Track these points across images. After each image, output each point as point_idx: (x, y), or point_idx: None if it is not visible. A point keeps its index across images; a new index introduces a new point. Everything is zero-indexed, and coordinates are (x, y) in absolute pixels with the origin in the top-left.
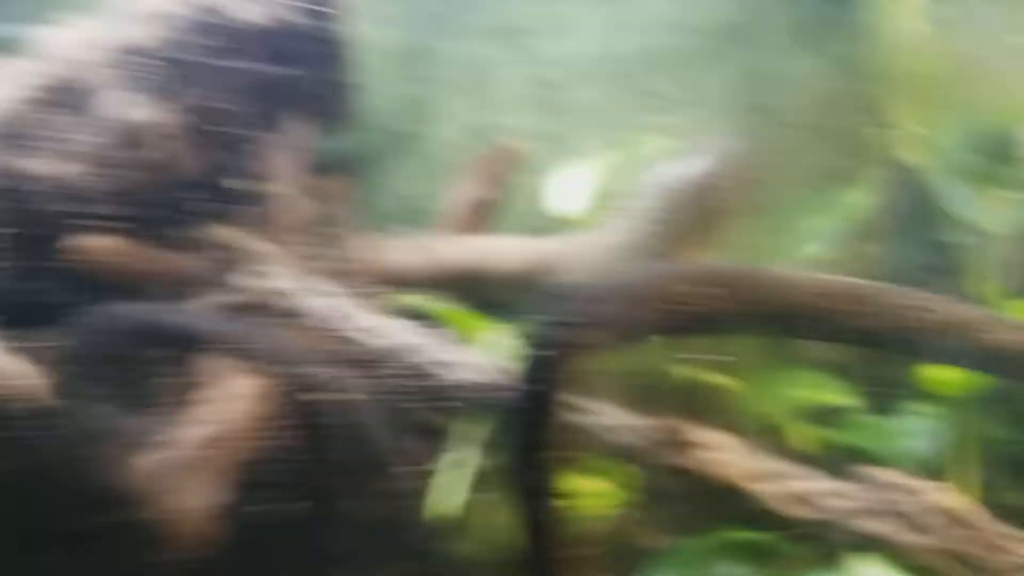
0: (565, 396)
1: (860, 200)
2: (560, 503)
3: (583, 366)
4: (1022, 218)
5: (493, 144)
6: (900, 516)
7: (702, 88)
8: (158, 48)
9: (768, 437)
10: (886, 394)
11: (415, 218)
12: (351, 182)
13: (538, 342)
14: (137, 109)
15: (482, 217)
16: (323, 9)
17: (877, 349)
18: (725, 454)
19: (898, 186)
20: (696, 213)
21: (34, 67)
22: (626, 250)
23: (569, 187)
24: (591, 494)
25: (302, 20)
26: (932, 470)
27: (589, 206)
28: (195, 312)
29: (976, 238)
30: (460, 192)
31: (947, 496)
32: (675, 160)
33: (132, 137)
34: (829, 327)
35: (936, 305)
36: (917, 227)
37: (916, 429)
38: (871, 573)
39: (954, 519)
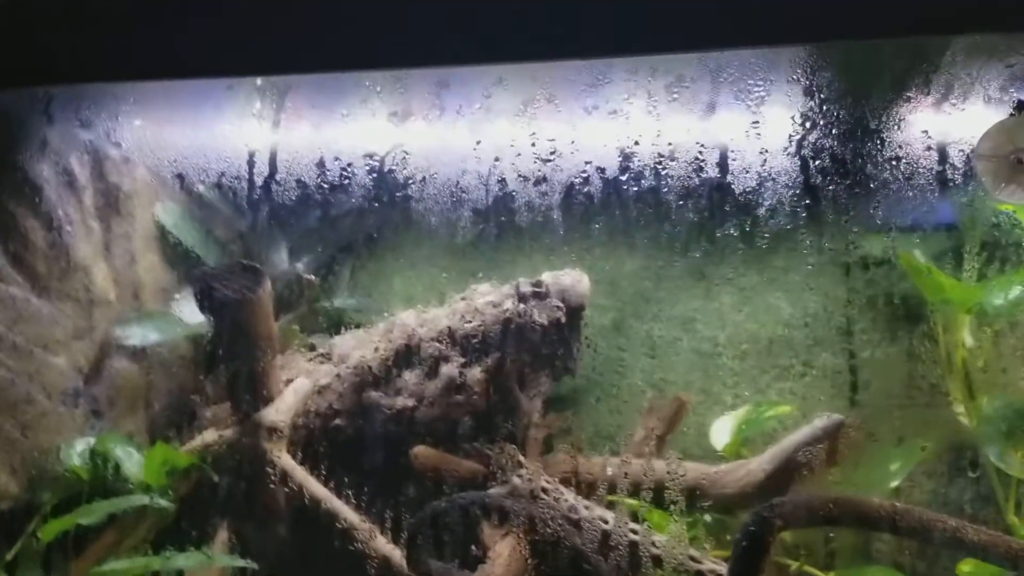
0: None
1: (929, 451)
2: None
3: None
4: None
5: (669, 396)
6: None
7: (813, 364)
8: (476, 329)
9: None
10: None
11: (612, 443)
12: (570, 416)
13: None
14: (457, 368)
15: (659, 445)
16: (574, 308)
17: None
18: None
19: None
20: (812, 457)
21: (388, 335)
22: (767, 477)
23: (722, 430)
24: None
25: (562, 316)
26: None
27: (733, 444)
28: (494, 496)
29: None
30: (644, 426)
31: None
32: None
33: (452, 386)
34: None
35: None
36: (966, 469)
37: None
38: None
39: None
